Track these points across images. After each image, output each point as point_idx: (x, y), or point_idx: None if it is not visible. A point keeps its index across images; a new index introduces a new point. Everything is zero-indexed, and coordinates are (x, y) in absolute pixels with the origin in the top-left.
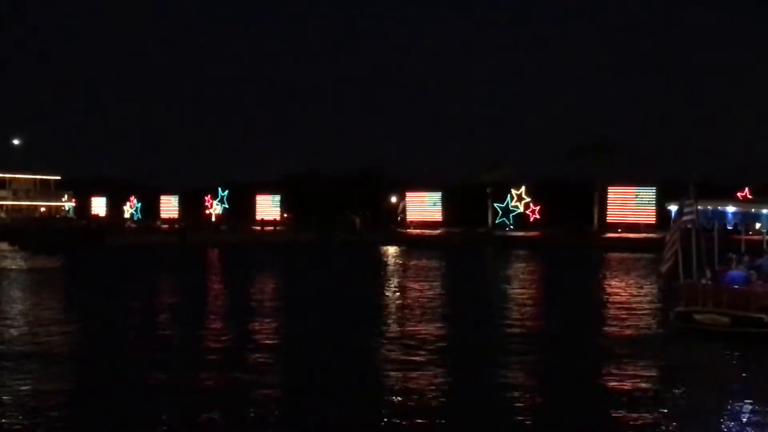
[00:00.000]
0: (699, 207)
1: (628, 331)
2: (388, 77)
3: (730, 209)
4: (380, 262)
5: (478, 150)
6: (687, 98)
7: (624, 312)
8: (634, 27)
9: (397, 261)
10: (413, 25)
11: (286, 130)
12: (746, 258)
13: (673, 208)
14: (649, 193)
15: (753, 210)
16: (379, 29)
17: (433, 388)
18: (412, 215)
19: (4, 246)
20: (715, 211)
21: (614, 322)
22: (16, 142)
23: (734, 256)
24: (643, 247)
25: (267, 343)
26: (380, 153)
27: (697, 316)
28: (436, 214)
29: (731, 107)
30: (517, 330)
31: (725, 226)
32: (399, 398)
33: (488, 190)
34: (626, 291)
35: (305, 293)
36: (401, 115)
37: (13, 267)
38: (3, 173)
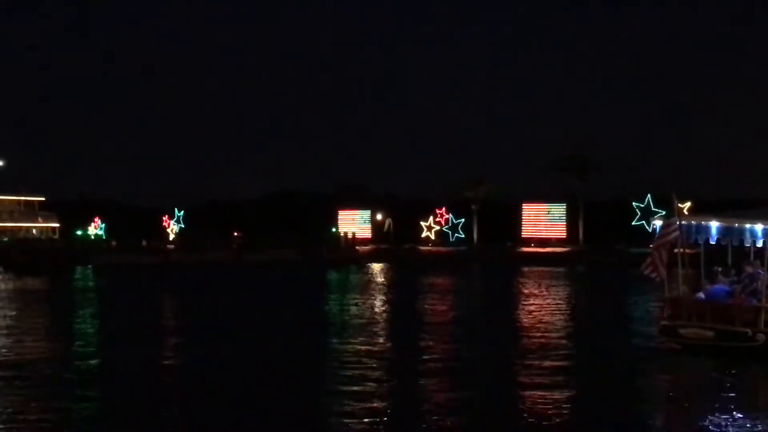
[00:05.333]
0: (683, 222)
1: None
2: (369, 93)
3: (714, 224)
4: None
5: (464, 166)
6: (671, 114)
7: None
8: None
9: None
10: (388, 42)
11: (265, 148)
12: (732, 271)
13: (658, 223)
14: (560, 209)
15: (737, 225)
16: (356, 46)
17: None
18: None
19: None
20: (698, 226)
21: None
22: None
23: (719, 269)
24: (556, 260)
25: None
26: (362, 170)
27: (681, 330)
28: (366, 231)
29: (713, 123)
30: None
31: (708, 240)
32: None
33: (473, 207)
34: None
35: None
36: (382, 132)
37: None
38: None
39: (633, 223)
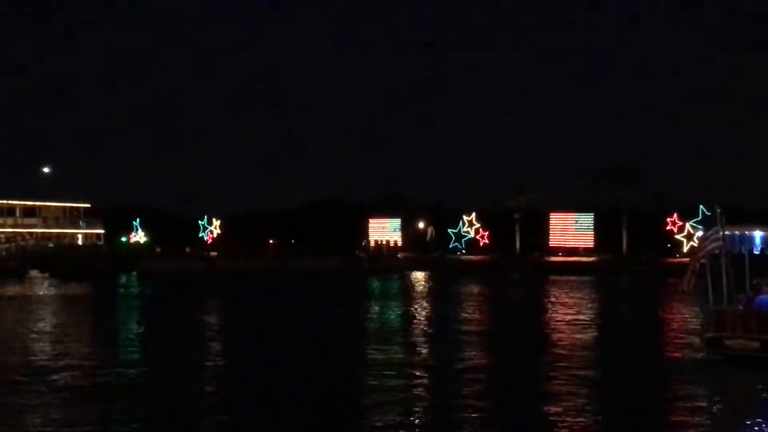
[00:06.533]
0: (726, 232)
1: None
2: (410, 103)
3: (758, 234)
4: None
5: (508, 175)
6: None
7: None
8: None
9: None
10: (433, 52)
11: (306, 157)
12: None
13: (698, 234)
14: (587, 219)
15: None
16: (397, 55)
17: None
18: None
19: (35, 273)
20: (742, 237)
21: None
22: (45, 170)
23: (764, 281)
24: (584, 270)
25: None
26: (405, 179)
27: (727, 342)
28: (397, 240)
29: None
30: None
31: (752, 251)
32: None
33: (516, 216)
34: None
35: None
36: (426, 139)
37: (44, 294)
38: (33, 201)
39: (665, 233)
